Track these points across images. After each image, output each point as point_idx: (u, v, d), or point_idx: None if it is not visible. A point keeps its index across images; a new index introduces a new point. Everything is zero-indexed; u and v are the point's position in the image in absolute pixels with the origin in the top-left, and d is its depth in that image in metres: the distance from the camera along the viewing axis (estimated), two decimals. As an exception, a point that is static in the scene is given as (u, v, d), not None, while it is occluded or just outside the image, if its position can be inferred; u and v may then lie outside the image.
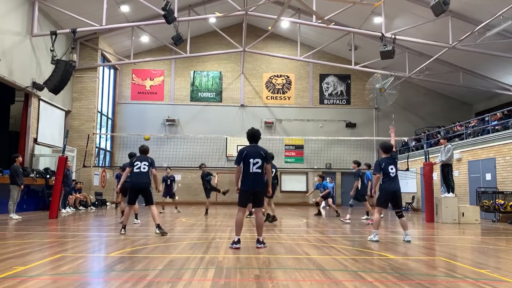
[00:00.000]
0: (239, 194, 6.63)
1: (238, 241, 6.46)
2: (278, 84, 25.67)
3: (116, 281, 4.15)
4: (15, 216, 11.55)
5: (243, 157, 6.50)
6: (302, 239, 7.95)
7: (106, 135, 23.33)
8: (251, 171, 6.45)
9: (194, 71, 25.48)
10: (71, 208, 15.41)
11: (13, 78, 14.75)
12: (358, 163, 12.48)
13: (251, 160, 6.45)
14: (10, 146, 16.40)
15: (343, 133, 24.26)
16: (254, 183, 6.46)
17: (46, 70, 16.45)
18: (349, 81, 25.71)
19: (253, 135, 6.77)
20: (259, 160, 6.48)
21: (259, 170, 6.48)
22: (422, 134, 22.15)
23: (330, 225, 11.37)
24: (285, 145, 24.86)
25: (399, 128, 23.47)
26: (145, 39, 22.67)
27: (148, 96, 25.15)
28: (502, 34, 15.66)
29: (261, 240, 6.53)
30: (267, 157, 6.59)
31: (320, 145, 24.31)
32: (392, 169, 7.50)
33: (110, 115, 24.11)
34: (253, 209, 6.91)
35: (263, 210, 9.45)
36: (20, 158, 12.52)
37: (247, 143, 6.85)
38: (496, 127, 15.07)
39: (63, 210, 14.72)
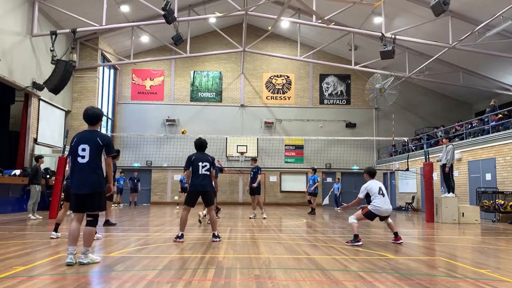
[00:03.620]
0: (187, 194, 7.31)
1: (182, 236, 7.05)
2: (278, 84, 25.67)
3: (116, 281, 4.15)
4: (33, 216, 11.63)
5: (192, 161, 7.18)
6: (302, 239, 7.94)
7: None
8: (200, 172, 7.09)
9: (194, 71, 25.49)
10: None
11: (13, 78, 14.75)
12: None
13: (200, 164, 7.13)
14: (10, 146, 16.41)
15: (343, 133, 24.26)
16: (202, 183, 7.11)
17: (46, 70, 16.45)
18: (349, 81, 25.71)
19: (201, 144, 7.46)
20: (207, 164, 7.20)
21: (207, 172, 7.16)
22: (407, 138, 22.15)
23: (330, 225, 11.37)
24: (285, 145, 24.86)
25: (399, 128, 23.60)
26: (145, 39, 22.67)
27: (148, 96, 25.15)
28: (502, 34, 15.67)
29: (216, 235, 7.22)
30: (214, 163, 7.50)
31: (320, 145, 24.31)
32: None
33: (110, 115, 24.11)
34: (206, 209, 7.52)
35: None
36: (43, 159, 12.78)
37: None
38: (496, 127, 15.06)
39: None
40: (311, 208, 16.14)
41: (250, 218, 12.81)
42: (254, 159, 13.58)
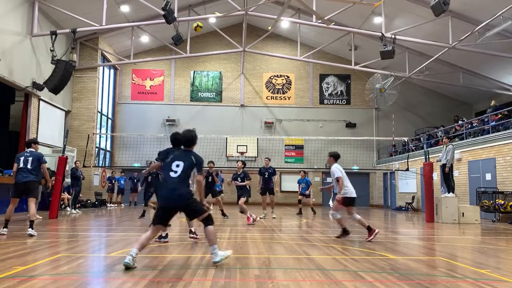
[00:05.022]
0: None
1: (166, 236, 7.12)
2: (278, 84, 25.67)
3: (116, 281, 4.16)
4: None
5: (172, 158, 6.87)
6: (302, 239, 7.94)
7: (106, 135, 23.34)
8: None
9: (194, 71, 25.49)
10: (77, 210, 15.22)
11: (13, 78, 14.74)
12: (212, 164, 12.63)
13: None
14: (10, 146, 16.39)
15: (343, 133, 24.25)
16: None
17: (46, 70, 16.45)
18: (349, 81, 25.72)
19: (175, 139, 6.48)
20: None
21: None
22: (407, 138, 22.14)
23: (330, 225, 11.37)
24: (285, 145, 24.86)
25: (399, 128, 23.60)
26: (145, 39, 22.66)
27: (148, 96, 25.15)
28: (502, 34, 15.66)
29: (193, 231, 7.27)
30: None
31: (320, 145, 24.27)
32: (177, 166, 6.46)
33: (110, 115, 24.11)
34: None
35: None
36: (38, 147, 12.71)
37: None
38: (496, 127, 15.06)
39: (72, 211, 14.70)
40: (300, 209, 15.96)
41: (260, 218, 12.64)
42: (268, 159, 13.73)
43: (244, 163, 12.06)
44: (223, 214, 12.94)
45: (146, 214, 12.92)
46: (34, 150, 8.56)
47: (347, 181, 7.65)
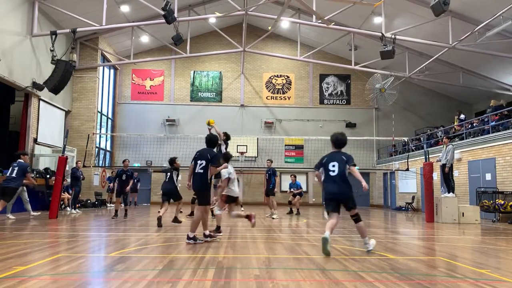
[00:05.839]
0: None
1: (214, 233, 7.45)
2: (278, 84, 25.67)
3: (116, 281, 4.15)
4: (11, 216, 11.62)
5: (195, 158, 7.15)
6: (302, 239, 7.94)
7: (106, 135, 23.33)
8: (196, 171, 7.03)
9: (194, 71, 25.49)
10: (77, 210, 15.21)
11: (13, 78, 14.75)
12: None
13: (198, 161, 7.04)
14: (10, 146, 16.40)
15: (343, 133, 24.19)
16: (195, 183, 7.06)
17: (46, 70, 16.45)
18: (349, 81, 25.71)
19: (209, 140, 7.40)
20: (204, 162, 6.99)
21: (202, 171, 6.97)
22: (407, 138, 22.13)
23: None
24: (285, 145, 24.86)
25: (399, 128, 23.59)
26: (145, 39, 22.67)
27: (148, 96, 25.15)
28: (502, 34, 15.66)
29: (190, 237, 6.84)
30: (213, 159, 7.03)
31: (320, 145, 24.22)
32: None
33: (110, 115, 24.10)
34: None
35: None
36: (27, 158, 12.94)
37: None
38: (496, 127, 15.05)
39: (72, 211, 14.69)
40: (291, 208, 15.91)
41: (273, 218, 12.85)
42: (270, 160, 14.06)
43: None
44: (213, 215, 13.04)
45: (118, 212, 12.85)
46: (22, 161, 10.23)
47: (234, 182, 8.00)
